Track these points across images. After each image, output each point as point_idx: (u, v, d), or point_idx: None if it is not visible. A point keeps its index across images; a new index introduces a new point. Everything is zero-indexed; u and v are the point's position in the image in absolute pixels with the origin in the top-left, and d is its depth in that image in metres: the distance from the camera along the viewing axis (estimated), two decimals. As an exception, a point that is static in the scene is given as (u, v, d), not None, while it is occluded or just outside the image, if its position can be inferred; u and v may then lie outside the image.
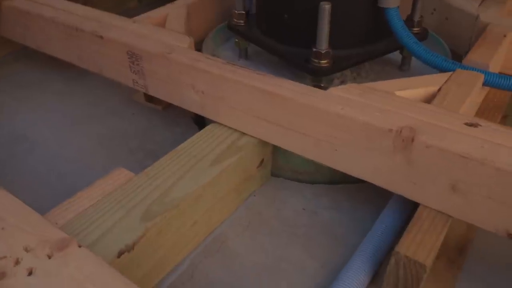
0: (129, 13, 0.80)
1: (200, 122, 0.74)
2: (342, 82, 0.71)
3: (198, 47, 0.76)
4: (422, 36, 0.70)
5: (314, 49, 0.60)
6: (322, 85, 0.62)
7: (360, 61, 0.65)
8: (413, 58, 0.71)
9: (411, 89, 0.51)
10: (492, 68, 0.58)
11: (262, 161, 0.60)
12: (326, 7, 0.56)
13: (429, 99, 0.51)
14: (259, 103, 0.53)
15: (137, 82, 0.68)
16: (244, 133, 0.58)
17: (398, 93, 0.50)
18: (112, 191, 0.50)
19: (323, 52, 0.59)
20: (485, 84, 0.55)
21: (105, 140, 0.72)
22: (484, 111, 0.61)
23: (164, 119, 0.77)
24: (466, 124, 0.44)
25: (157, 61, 0.62)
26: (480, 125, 0.44)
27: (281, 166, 0.62)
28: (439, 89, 0.51)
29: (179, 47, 0.62)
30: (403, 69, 0.72)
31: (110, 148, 0.70)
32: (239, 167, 0.55)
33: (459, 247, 0.50)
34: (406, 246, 0.41)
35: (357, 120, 0.46)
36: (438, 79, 0.53)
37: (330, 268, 0.49)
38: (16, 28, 0.82)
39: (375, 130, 0.45)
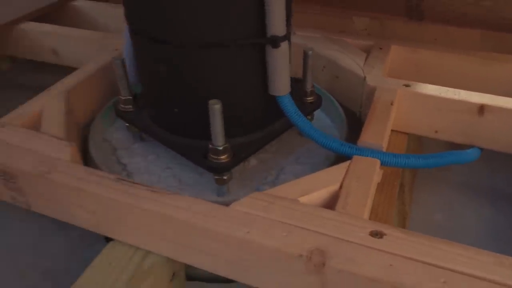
0: (2, 76, 0.69)
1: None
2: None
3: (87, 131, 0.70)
4: (317, 104, 0.69)
5: (210, 146, 0.57)
6: (225, 178, 0.59)
7: (261, 146, 0.62)
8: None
9: (314, 192, 0.50)
10: (386, 145, 0.58)
11: (173, 274, 0.55)
12: (216, 107, 0.53)
13: (332, 202, 0.50)
14: (157, 225, 0.49)
15: (16, 199, 0.59)
16: (149, 251, 0.53)
17: (302, 199, 0.49)
18: None
19: (220, 148, 0.56)
20: (382, 165, 0.56)
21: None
22: (384, 180, 0.62)
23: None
24: (371, 234, 0.44)
25: (36, 181, 0.54)
26: (385, 234, 0.44)
27: (190, 272, 0.58)
28: (341, 187, 0.51)
29: (59, 161, 0.55)
30: (302, 134, 0.72)
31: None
32: (149, 294, 0.51)
33: None
34: None
35: (266, 246, 0.44)
36: (337, 173, 0.52)
37: None
38: None
39: (285, 255, 0.43)
